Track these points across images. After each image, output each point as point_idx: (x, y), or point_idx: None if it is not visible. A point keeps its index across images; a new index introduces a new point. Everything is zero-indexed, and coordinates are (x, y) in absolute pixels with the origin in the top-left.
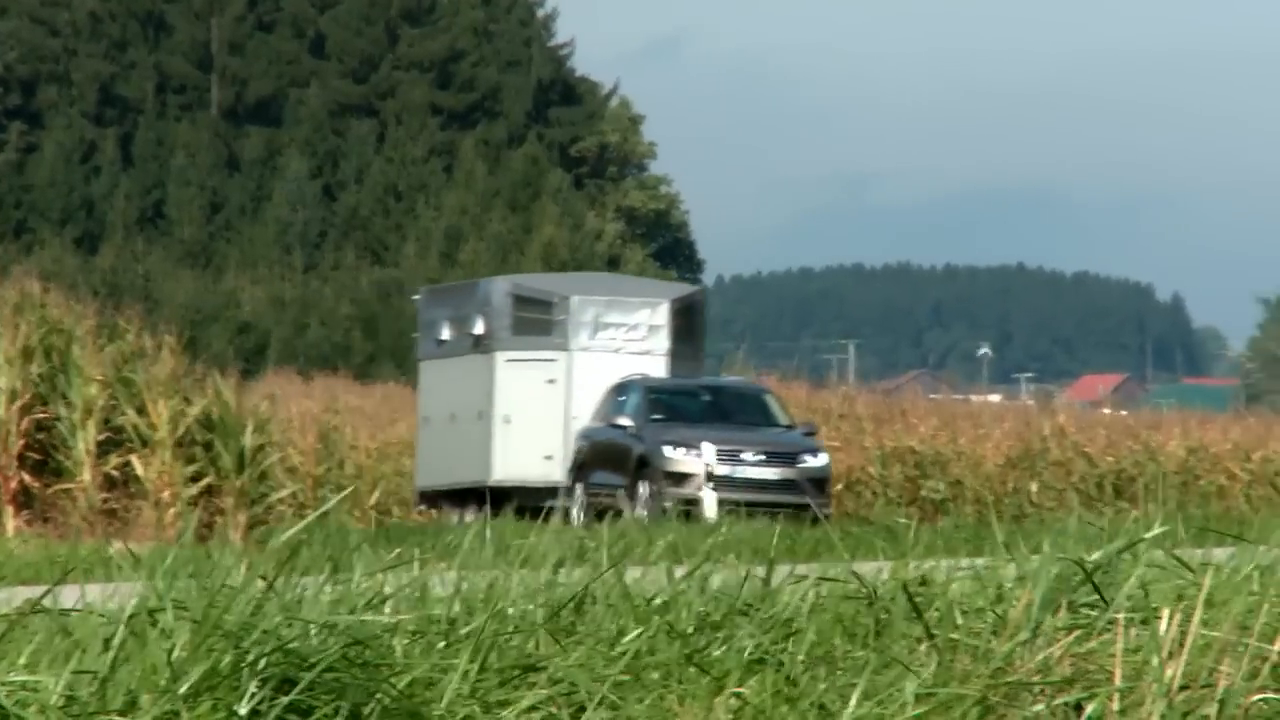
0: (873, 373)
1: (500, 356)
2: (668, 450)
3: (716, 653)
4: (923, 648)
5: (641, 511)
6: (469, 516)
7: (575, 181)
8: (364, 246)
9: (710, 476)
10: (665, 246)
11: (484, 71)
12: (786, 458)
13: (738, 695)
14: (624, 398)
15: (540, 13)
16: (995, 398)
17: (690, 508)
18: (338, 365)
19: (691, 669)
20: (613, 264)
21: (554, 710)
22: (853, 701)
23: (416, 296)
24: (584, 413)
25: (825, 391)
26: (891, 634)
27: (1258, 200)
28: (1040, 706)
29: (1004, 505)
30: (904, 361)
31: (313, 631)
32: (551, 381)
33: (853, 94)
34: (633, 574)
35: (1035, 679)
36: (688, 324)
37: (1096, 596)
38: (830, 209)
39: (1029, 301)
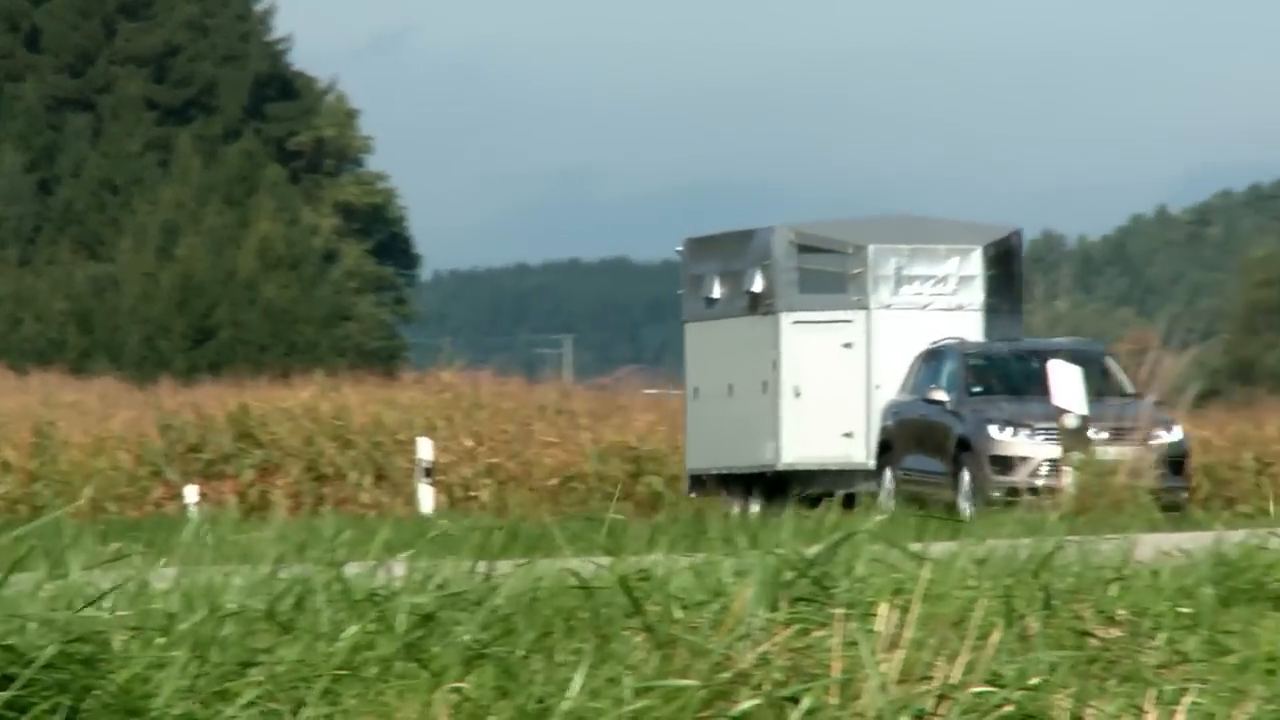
0: (590, 368)
1: (786, 318)
2: (993, 431)
3: (436, 647)
4: (641, 641)
5: (964, 504)
6: (755, 507)
7: (291, 176)
8: (79, 241)
9: (1049, 463)
10: (382, 241)
11: (200, 66)
12: (1135, 434)
13: (456, 689)
14: (937, 366)
15: (258, 8)
16: None
17: (1018, 499)
18: (53, 360)
19: (410, 663)
20: (329, 258)
21: (274, 705)
22: (571, 693)
23: (679, 248)
24: (887, 382)
25: (542, 386)
26: (612, 628)
27: (971, 196)
28: (759, 700)
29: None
30: (621, 357)
31: (31, 628)
32: (848, 346)
33: (573, 89)
34: (355, 568)
35: (754, 673)
36: (1004, 273)
37: (816, 590)
38: (549, 204)
39: None
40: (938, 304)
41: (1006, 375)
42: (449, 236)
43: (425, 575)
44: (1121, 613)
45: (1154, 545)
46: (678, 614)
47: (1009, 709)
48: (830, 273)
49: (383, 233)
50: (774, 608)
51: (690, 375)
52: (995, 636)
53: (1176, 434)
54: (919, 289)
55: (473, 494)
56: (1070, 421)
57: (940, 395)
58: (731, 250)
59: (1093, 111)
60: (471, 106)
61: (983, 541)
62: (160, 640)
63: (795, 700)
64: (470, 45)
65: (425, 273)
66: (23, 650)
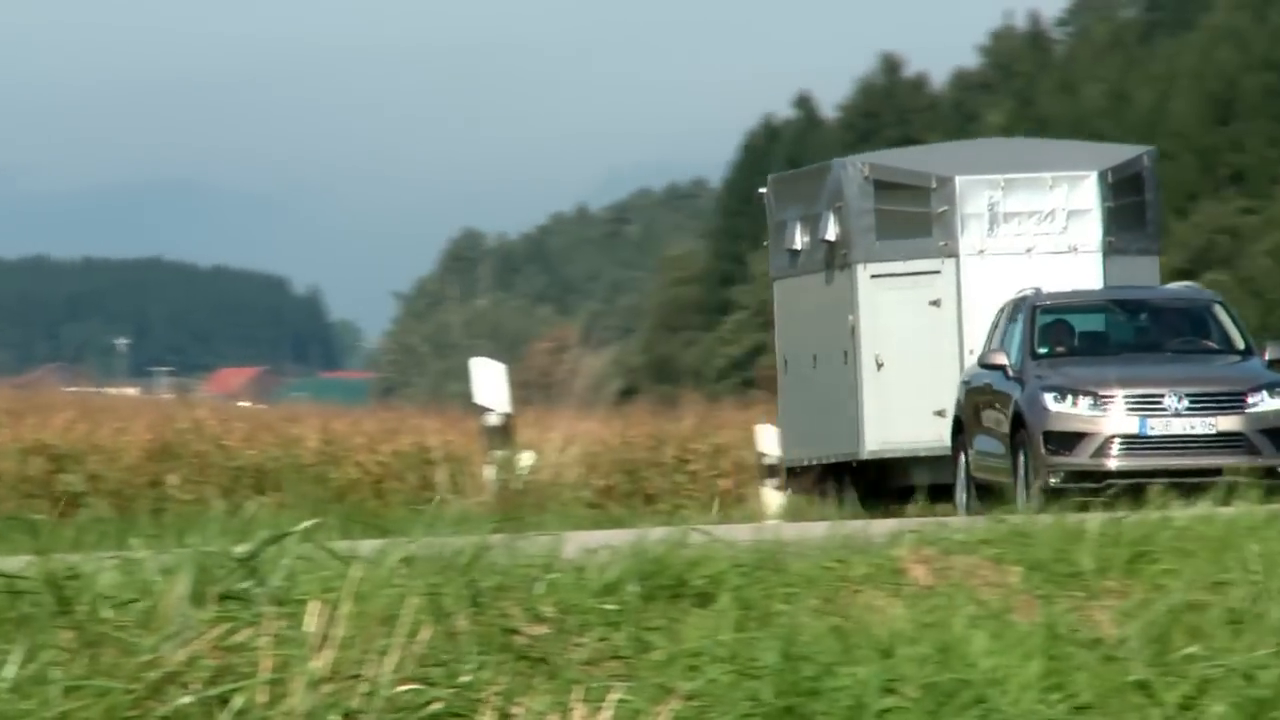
0: (8, 367)
1: (862, 272)
2: (1050, 400)
3: None
4: (70, 639)
5: (1022, 494)
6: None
7: None
8: None
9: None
10: None
11: None
12: (1228, 400)
13: None
14: (1010, 323)
15: None
16: (134, 391)
17: (1091, 485)
18: None
19: None
20: None
21: None
22: None
23: (763, 190)
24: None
25: None
26: (40, 627)
27: (393, 196)
28: (189, 699)
29: (145, 498)
30: (40, 355)
31: None
32: (936, 304)
33: None
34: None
35: (184, 672)
36: (1131, 205)
37: (246, 589)
38: None
39: (167, 295)
40: (1044, 246)
41: (1085, 331)
42: None
43: None
44: (549, 610)
45: (581, 543)
46: (106, 612)
47: (437, 706)
48: (912, 213)
49: None
50: (203, 606)
51: (778, 343)
52: (424, 634)
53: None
54: (1019, 229)
55: None
56: (493, 420)
57: (1001, 359)
58: (809, 191)
59: (513, 110)
60: None
61: (415, 540)
62: None
63: (225, 700)
64: None
65: None
66: None
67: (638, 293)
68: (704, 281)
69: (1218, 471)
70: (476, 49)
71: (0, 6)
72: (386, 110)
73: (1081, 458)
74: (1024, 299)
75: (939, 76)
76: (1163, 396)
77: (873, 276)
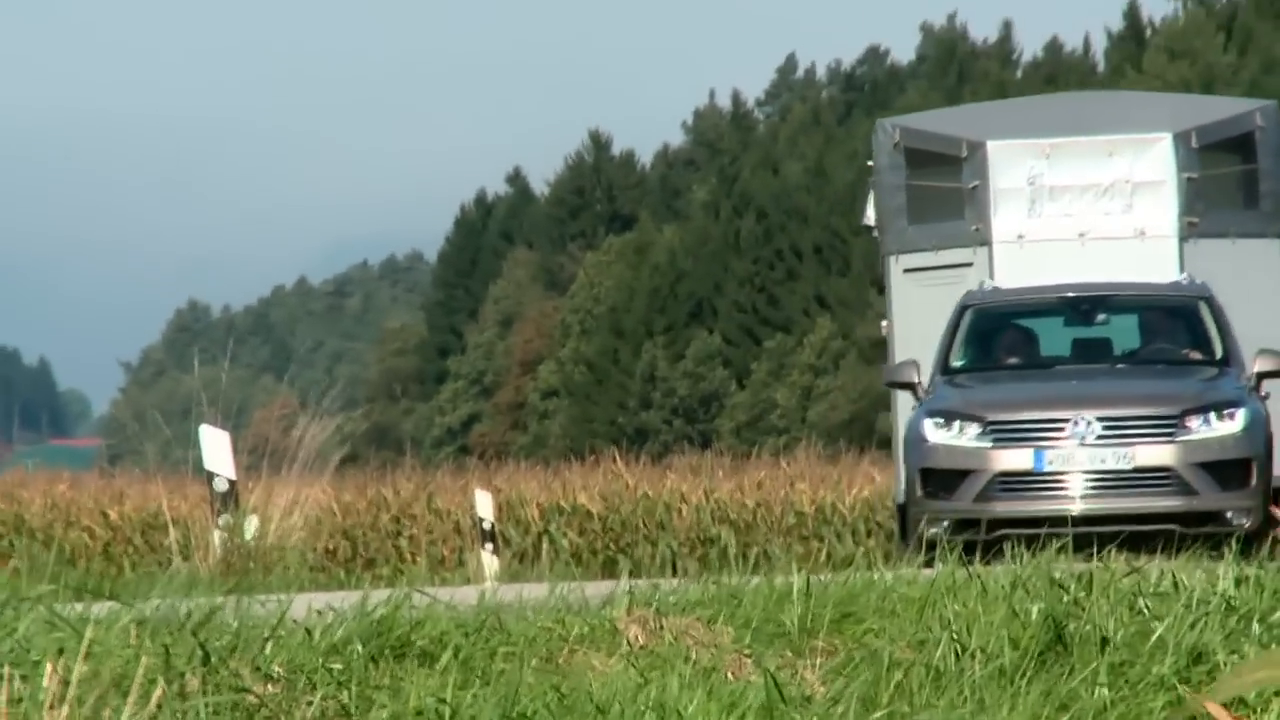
0: None
1: (894, 265)
2: (930, 429)
3: None
4: None
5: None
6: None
7: None
8: None
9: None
10: None
11: None
12: (1155, 427)
13: None
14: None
15: None
16: None
17: (976, 537)
18: None
19: None
20: None
21: None
22: None
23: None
24: None
25: None
26: None
27: (117, 266)
28: None
29: None
30: None
31: None
32: None
33: None
34: None
35: None
36: (1237, 175)
37: None
38: None
39: None
40: (1101, 229)
41: (1032, 339)
42: None
43: None
44: (278, 669)
45: (307, 605)
46: None
47: None
48: (945, 189)
49: None
50: None
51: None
52: (157, 694)
53: (1238, 420)
54: (1069, 208)
55: None
56: (220, 485)
57: (911, 375)
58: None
59: (235, 183)
60: None
61: (146, 602)
62: None
63: None
64: None
65: None
66: None
67: (358, 363)
68: (421, 352)
69: (1142, 519)
70: (198, 122)
71: None
72: (112, 182)
73: (963, 501)
74: (969, 297)
75: (646, 154)
76: (1065, 422)
77: (905, 271)
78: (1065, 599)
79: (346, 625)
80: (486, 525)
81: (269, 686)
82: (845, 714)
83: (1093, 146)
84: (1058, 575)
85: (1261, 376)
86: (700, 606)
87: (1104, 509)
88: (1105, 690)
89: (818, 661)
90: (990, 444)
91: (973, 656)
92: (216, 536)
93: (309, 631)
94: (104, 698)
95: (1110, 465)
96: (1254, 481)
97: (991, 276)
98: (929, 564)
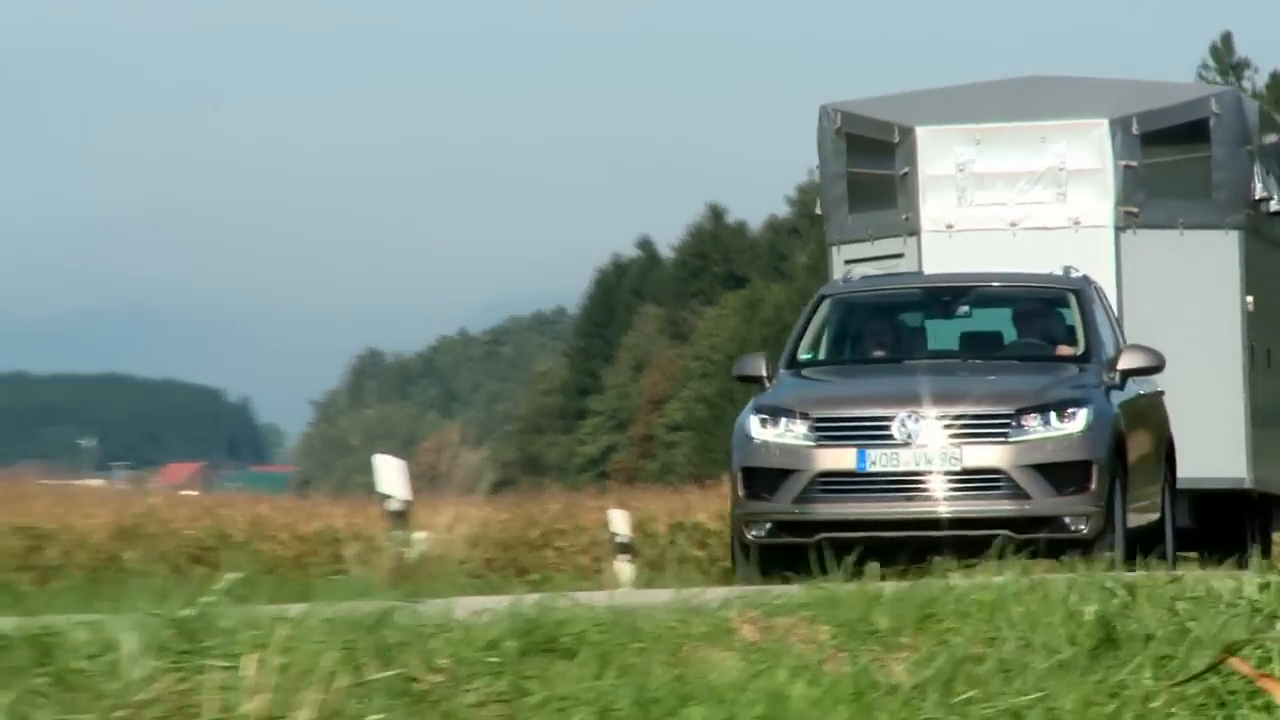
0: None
1: (836, 257)
2: (754, 426)
3: None
4: (49, 686)
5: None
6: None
7: None
8: None
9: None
10: None
11: None
12: (987, 425)
13: None
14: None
15: None
16: (98, 482)
17: (797, 540)
18: None
19: None
20: None
21: None
22: None
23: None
24: None
25: None
26: (22, 676)
27: (306, 317)
28: None
29: (108, 570)
30: (20, 453)
31: None
32: None
33: None
34: None
35: (144, 711)
36: (1188, 163)
37: (193, 643)
38: None
39: (125, 403)
40: (1034, 219)
41: (886, 331)
42: None
43: None
44: (443, 662)
45: (468, 607)
46: (78, 664)
47: None
48: (881, 177)
49: None
50: (158, 657)
51: None
52: (340, 682)
53: (1080, 421)
54: (1000, 196)
55: None
56: (393, 505)
57: (759, 368)
58: None
59: (408, 245)
60: None
61: (332, 604)
62: None
63: None
64: None
65: None
66: None
67: (511, 401)
68: (565, 392)
69: (971, 524)
70: (376, 192)
71: None
72: (304, 243)
73: (783, 503)
74: (831, 287)
75: (756, 222)
76: (890, 421)
77: (846, 262)
78: (1114, 602)
79: (501, 624)
80: (622, 539)
81: (435, 676)
82: (926, 701)
83: (1025, 132)
84: (1108, 584)
85: (1127, 374)
86: (802, 608)
87: (929, 513)
88: (1149, 680)
89: (903, 656)
90: (813, 442)
91: (1036, 651)
92: (390, 549)
93: (469, 630)
94: (295, 685)
95: (937, 466)
96: (1094, 485)
97: (920, 268)
98: (762, 580)
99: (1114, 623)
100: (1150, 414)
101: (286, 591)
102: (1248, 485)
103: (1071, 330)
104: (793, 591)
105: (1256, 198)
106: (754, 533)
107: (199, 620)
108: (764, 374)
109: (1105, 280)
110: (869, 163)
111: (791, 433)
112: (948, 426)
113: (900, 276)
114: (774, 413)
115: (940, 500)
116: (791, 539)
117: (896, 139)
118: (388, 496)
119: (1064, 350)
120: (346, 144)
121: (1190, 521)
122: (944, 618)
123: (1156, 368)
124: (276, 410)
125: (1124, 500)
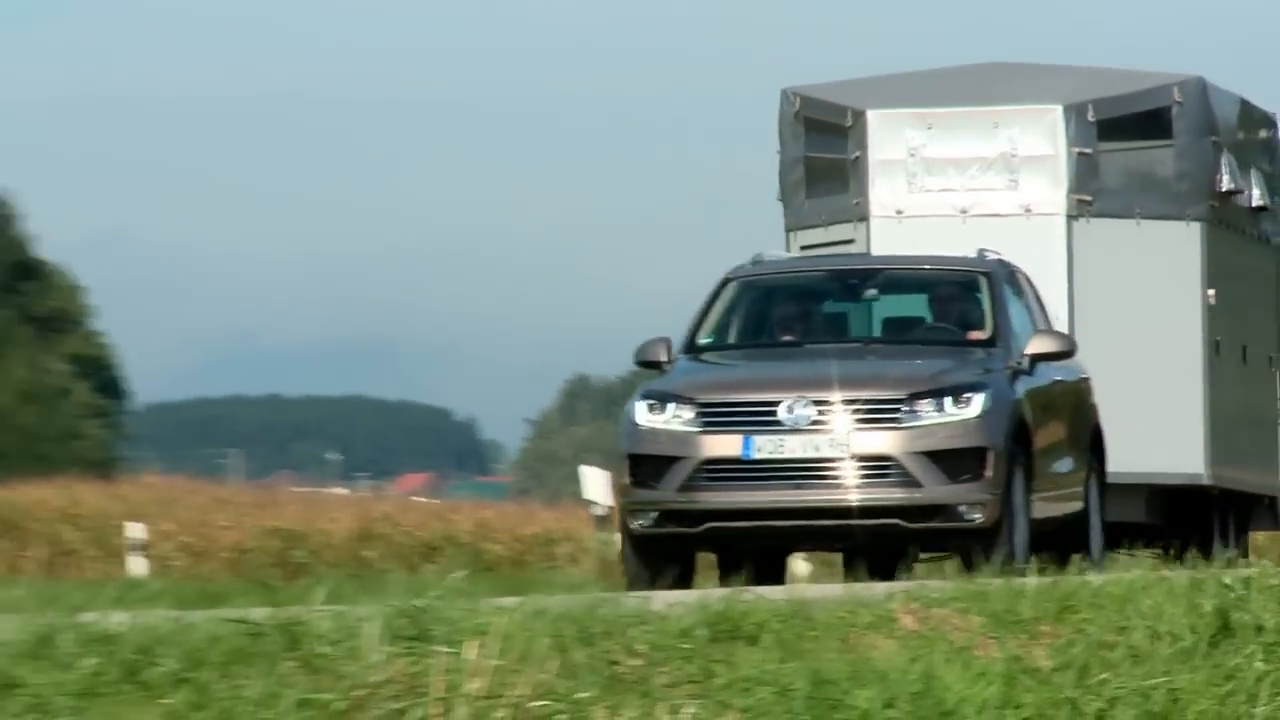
0: (253, 473)
1: (794, 243)
2: (642, 412)
3: (147, 673)
4: (297, 668)
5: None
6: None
7: (36, 333)
8: None
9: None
10: (104, 381)
11: None
12: (878, 411)
13: (165, 704)
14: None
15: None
16: (342, 490)
17: (684, 530)
18: None
19: (130, 685)
20: (63, 394)
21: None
22: (248, 706)
23: None
24: None
25: (218, 486)
26: (274, 659)
27: (524, 345)
28: (378, 712)
29: (350, 567)
30: (275, 465)
31: None
32: None
33: (242, 262)
34: None
35: (380, 690)
36: (1148, 152)
37: (423, 630)
38: (226, 354)
39: (367, 422)
40: (985, 206)
41: (792, 316)
42: (155, 377)
43: (136, 620)
44: (641, 648)
45: (663, 600)
46: (323, 649)
47: (562, 717)
48: (835, 161)
49: (104, 375)
50: (393, 644)
51: None
52: (551, 665)
53: (975, 406)
54: (951, 182)
55: (171, 563)
56: (598, 511)
57: (661, 353)
58: None
59: (614, 280)
60: (175, 279)
61: (544, 597)
62: None
63: (404, 712)
64: (172, 236)
65: (137, 404)
66: None
67: None
68: None
69: (860, 512)
70: (575, 237)
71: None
72: (523, 280)
73: (667, 491)
74: (739, 270)
75: None
76: (777, 406)
77: (802, 248)
78: (1230, 596)
79: (692, 615)
80: None
81: (634, 660)
82: (1065, 682)
83: (977, 117)
84: (1226, 580)
85: (1036, 359)
86: (956, 601)
87: (817, 501)
88: (1261, 664)
89: (1044, 643)
90: (699, 429)
91: (1161, 639)
92: (595, 549)
93: (664, 619)
94: (511, 668)
95: (825, 453)
96: (989, 472)
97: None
98: (649, 570)
99: (1230, 614)
100: (1068, 401)
101: (504, 586)
102: (1205, 481)
103: (981, 314)
104: (947, 586)
105: (1223, 189)
106: (639, 522)
107: (428, 611)
108: (663, 359)
109: (1056, 269)
110: (825, 147)
111: (679, 419)
112: (838, 412)
113: (807, 259)
114: (662, 398)
115: (828, 488)
116: (677, 529)
117: (849, 123)
118: (593, 503)
119: (975, 335)
120: (564, 190)
121: (1152, 517)
122: (1080, 609)
123: (1066, 353)
124: (497, 427)
125: (1027, 489)
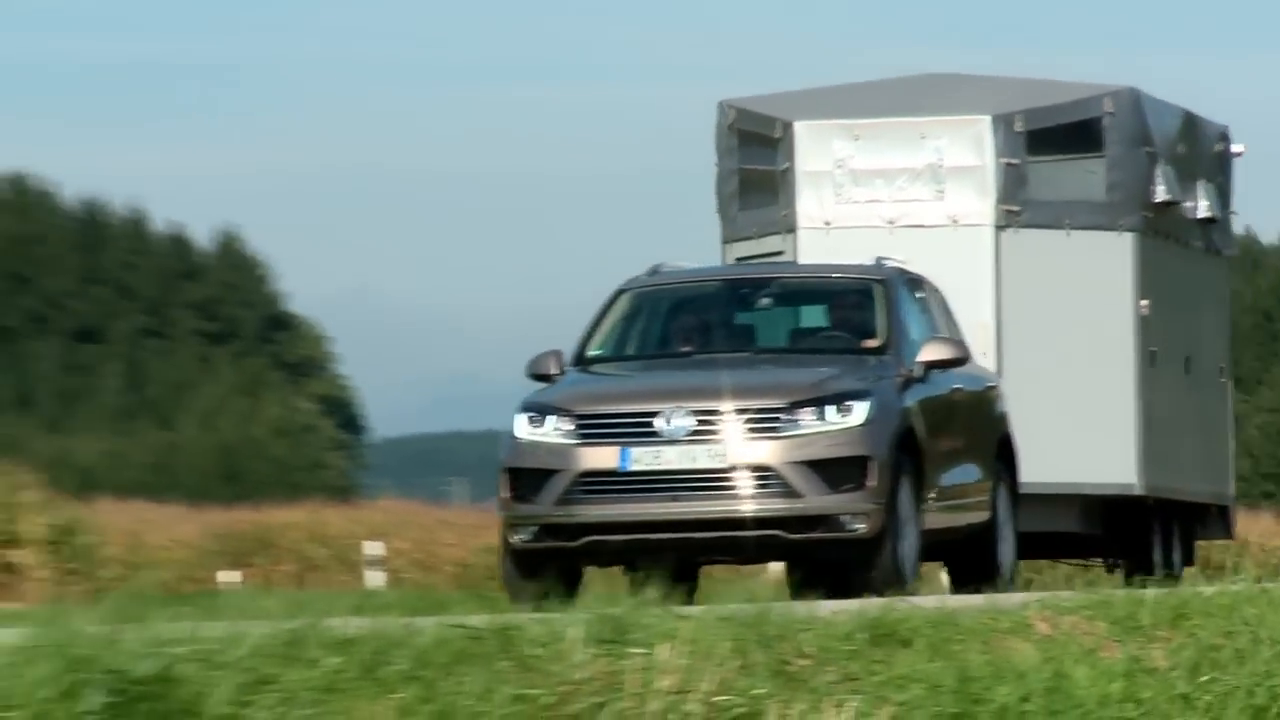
0: (475, 498)
1: (729, 254)
2: (522, 424)
3: (380, 671)
4: (512, 666)
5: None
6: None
7: (287, 377)
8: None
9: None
10: (346, 418)
11: (232, 309)
12: (758, 421)
13: (395, 700)
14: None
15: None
16: None
17: (562, 544)
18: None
19: (364, 682)
20: (309, 430)
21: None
22: (469, 700)
23: None
24: None
25: (445, 510)
26: (490, 660)
27: None
28: (582, 705)
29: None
30: (494, 492)
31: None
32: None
33: (458, 312)
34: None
35: (582, 687)
36: (1078, 163)
37: (620, 634)
38: (449, 394)
39: None
40: (911, 217)
41: (684, 326)
42: (390, 415)
43: (367, 627)
44: (810, 649)
45: (828, 608)
46: (533, 651)
47: (740, 710)
48: (766, 173)
49: (346, 413)
50: (592, 646)
51: None
52: (732, 665)
53: (857, 414)
54: (877, 193)
55: (403, 576)
56: None
57: (552, 366)
58: None
59: None
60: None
61: (725, 605)
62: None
63: (604, 705)
64: (406, 292)
65: (374, 438)
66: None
67: None
68: None
69: (740, 524)
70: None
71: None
72: None
73: (545, 505)
74: (634, 281)
75: None
76: (654, 417)
77: (737, 260)
78: None
79: (854, 620)
80: None
81: (803, 660)
82: (1178, 680)
83: (904, 128)
84: None
85: (930, 366)
86: (1084, 609)
87: (696, 513)
88: None
89: (1161, 646)
90: (577, 441)
91: (1263, 643)
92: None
93: (829, 624)
94: (697, 667)
95: (702, 464)
96: (872, 482)
97: None
98: (530, 585)
99: None
100: (970, 408)
101: (705, 593)
102: (1138, 491)
103: (874, 322)
104: (1077, 596)
105: (1157, 200)
106: (519, 536)
107: (626, 618)
108: (553, 372)
109: (983, 279)
110: (757, 159)
111: (557, 431)
112: (717, 422)
113: (701, 270)
114: (542, 410)
115: (707, 500)
116: (556, 543)
117: (779, 134)
118: None
119: (869, 343)
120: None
121: (1090, 527)
122: (1192, 616)
123: (959, 360)
124: None
125: (917, 499)
